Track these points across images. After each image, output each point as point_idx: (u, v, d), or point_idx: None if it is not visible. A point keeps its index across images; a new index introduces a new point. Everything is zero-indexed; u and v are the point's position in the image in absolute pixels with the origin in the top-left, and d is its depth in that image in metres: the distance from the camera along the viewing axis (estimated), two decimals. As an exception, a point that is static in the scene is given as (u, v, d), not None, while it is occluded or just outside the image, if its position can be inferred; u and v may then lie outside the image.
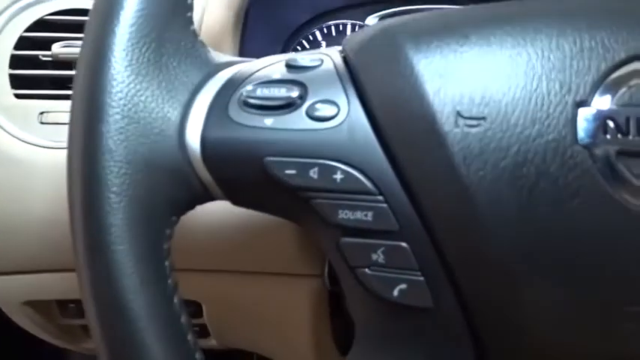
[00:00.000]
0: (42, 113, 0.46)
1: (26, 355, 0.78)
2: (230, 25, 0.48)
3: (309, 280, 0.45)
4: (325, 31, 0.60)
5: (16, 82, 0.46)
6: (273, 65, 0.29)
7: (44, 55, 0.47)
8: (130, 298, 0.25)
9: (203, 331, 0.52)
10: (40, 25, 0.48)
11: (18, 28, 0.47)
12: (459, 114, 0.25)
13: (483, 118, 0.24)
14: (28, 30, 0.47)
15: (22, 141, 0.45)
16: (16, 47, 0.47)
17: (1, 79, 0.46)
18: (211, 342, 0.54)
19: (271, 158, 0.26)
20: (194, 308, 0.49)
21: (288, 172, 0.26)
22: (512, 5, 0.27)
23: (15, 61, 0.47)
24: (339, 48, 0.29)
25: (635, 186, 0.24)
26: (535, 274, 0.24)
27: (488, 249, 0.24)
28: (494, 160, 0.24)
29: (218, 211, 0.43)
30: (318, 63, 0.28)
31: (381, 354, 0.27)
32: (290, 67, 0.28)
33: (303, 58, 0.28)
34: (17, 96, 0.46)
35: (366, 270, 0.26)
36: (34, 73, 0.47)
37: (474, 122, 0.24)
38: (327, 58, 0.29)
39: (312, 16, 0.59)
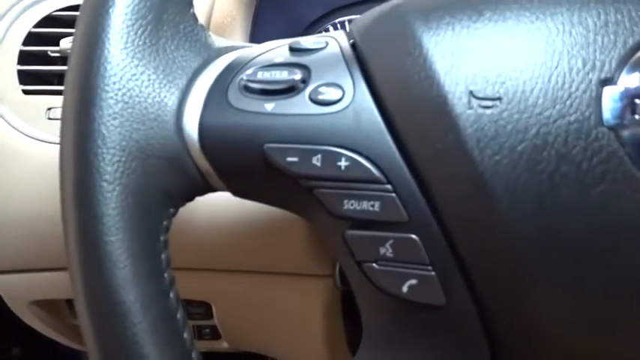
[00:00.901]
0: (49, 109, 0.45)
1: (43, 357, 0.78)
2: (240, 17, 0.48)
3: (321, 280, 0.44)
4: (339, 26, 0.58)
5: (25, 77, 0.46)
6: (276, 49, 0.27)
7: (52, 51, 0.47)
8: (122, 292, 0.23)
9: (214, 333, 0.51)
10: (49, 20, 0.47)
11: (27, 23, 0.47)
12: (472, 94, 0.23)
13: (499, 99, 0.23)
14: (37, 26, 0.47)
15: (30, 137, 0.44)
16: (25, 43, 0.47)
17: (10, 75, 0.46)
18: (223, 344, 0.53)
19: (272, 145, 0.25)
20: (204, 309, 0.48)
21: (289, 159, 0.25)
22: None
23: (23, 57, 0.47)
24: (347, 31, 0.28)
25: None
26: (555, 266, 0.22)
27: (504, 240, 0.23)
28: (511, 143, 0.22)
29: (228, 209, 0.42)
30: (323, 45, 0.27)
31: (389, 355, 0.26)
32: (293, 50, 0.27)
33: (307, 40, 0.27)
34: (25, 92, 0.46)
35: (374, 265, 0.24)
36: (42, 69, 0.47)
37: (489, 103, 0.23)
38: (333, 40, 0.27)
39: (326, 11, 0.58)
